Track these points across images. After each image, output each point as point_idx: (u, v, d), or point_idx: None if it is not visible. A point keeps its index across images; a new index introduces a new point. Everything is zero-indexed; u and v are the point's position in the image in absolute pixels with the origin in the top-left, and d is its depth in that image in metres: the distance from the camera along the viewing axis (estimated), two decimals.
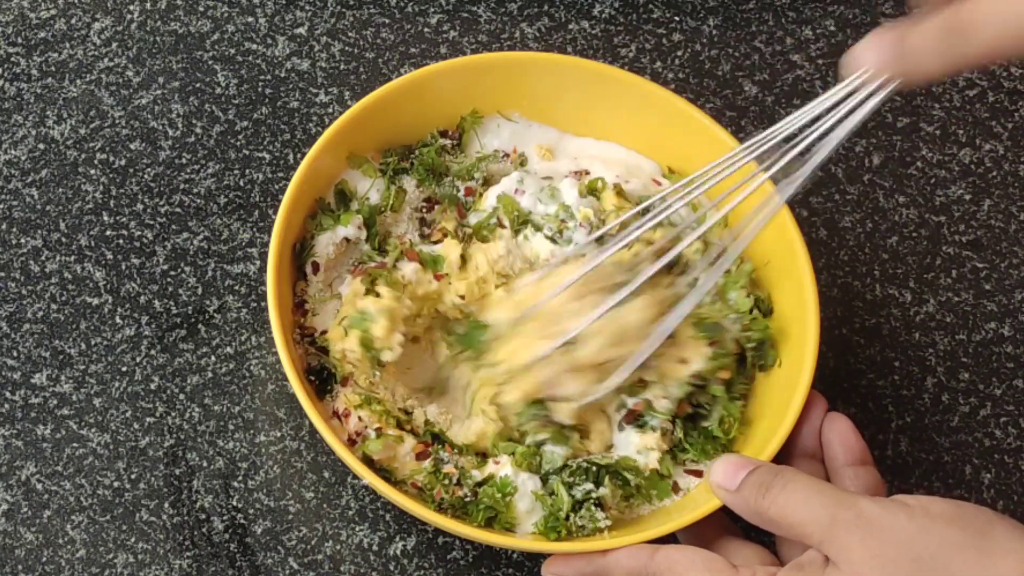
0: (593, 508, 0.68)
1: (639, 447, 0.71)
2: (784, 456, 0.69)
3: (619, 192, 0.76)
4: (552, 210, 0.75)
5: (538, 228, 0.75)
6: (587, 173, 0.78)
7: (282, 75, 0.86)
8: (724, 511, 0.66)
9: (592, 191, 0.76)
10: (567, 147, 0.80)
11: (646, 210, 0.71)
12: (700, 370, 0.71)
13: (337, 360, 0.71)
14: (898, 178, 0.86)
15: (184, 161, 0.83)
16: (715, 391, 0.72)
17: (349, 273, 0.74)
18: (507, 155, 0.79)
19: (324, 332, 0.73)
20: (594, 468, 0.69)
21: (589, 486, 0.69)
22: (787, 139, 0.65)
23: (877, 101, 0.60)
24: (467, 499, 0.69)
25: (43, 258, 0.80)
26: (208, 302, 0.79)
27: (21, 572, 0.72)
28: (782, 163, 0.65)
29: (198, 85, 0.85)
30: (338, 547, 0.73)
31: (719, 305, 0.74)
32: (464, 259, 0.74)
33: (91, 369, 0.77)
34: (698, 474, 0.72)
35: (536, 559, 0.73)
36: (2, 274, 0.79)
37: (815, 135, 0.63)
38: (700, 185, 0.69)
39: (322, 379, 0.72)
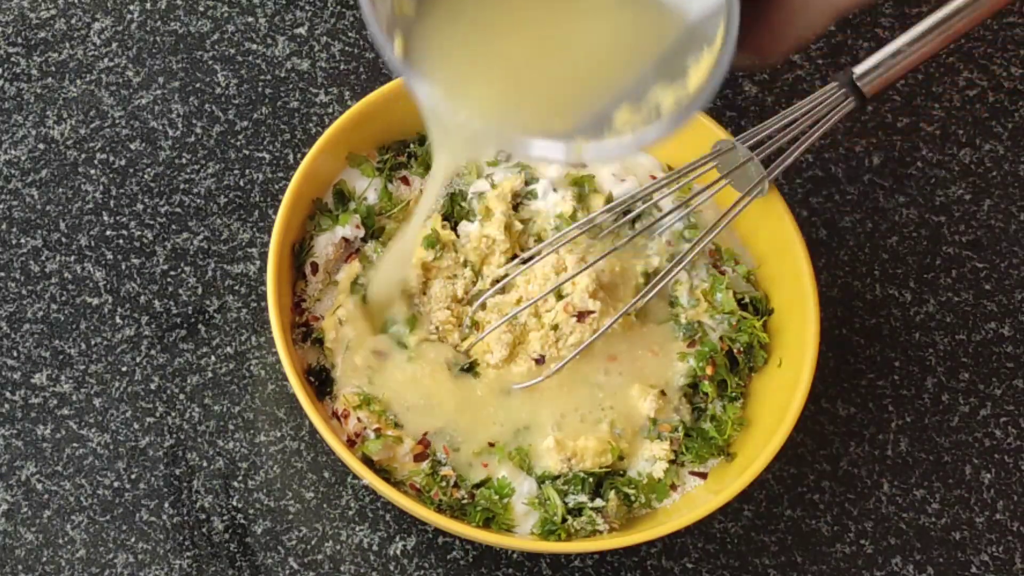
0: (592, 513, 0.69)
1: (648, 456, 0.72)
2: None
3: (608, 199, 0.77)
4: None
5: (535, 196, 0.77)
6: (584, 166, 0.79)
7: (282, 75, 0.86)
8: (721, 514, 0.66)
9: (577, 183, 0.77)
10: None
11: (627, 211, 0.75)
12: (685, 370, 0.73)
13: (330, 350, 0.72)
14: (898, 178, 0.86)
15: (184, 161, 0.83)
16: (704, 388, 0.73)
17: (345, 262, 0.75)
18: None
19: (319, 318, 0.73)
20: (591, 480, 0.70)
21: (583, 498, 0.69)
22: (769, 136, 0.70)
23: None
24: (464, 501, 0.69)
25: (43, 258, 0.80)
26: (208, 302, 0.79)
27: (21, 572, 0.72)
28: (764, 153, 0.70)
29: (198, 85, 0.85)
30: (338, 547, 0.73)
31: (704, 306, 0.75)
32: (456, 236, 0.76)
33: (91, 369, 0.77)
34: (701, 475, 0.72)
35: (536, 559, 0.73)
36: (2, 274, 0.79)
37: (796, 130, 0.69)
38: (676, 180, 0.74)
39: (322, 380, 0.72)
